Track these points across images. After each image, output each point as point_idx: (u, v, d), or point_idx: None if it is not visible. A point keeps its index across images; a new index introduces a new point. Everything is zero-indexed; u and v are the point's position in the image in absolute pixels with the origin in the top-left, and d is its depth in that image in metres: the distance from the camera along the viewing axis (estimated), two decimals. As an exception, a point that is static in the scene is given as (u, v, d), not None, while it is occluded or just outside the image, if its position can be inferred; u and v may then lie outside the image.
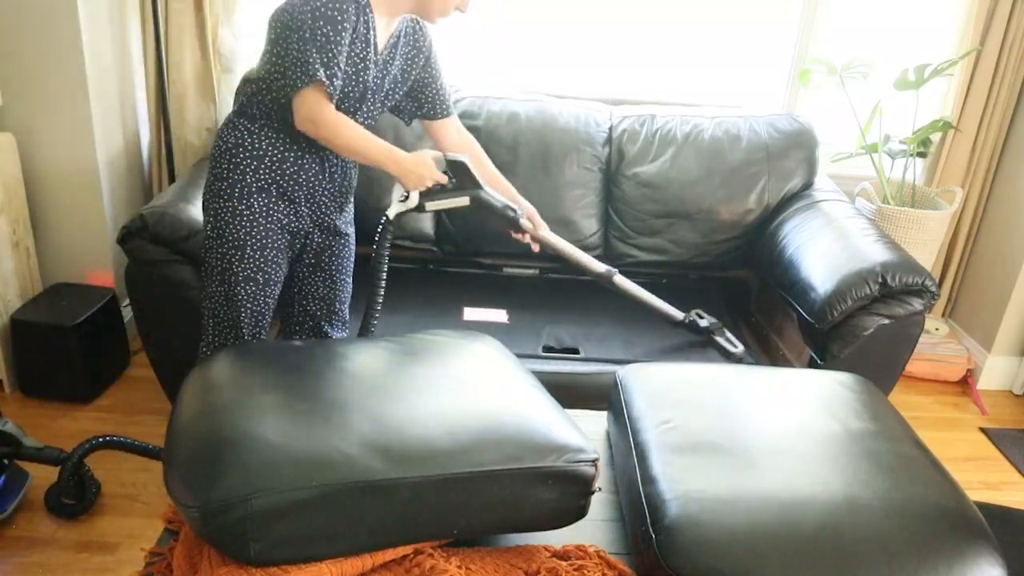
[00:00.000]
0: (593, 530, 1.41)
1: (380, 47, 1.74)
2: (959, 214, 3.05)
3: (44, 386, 2.49)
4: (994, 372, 3.00)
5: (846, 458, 1.35)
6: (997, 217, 3.00)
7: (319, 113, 1.62)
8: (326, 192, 1.84)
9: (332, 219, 1.89)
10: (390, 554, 1.21)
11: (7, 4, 2.35)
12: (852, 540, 1.18)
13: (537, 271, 2.78)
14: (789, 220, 2.52)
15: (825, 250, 2.25)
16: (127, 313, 2.81)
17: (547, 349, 2.29)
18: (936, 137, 2.95)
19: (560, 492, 1.25)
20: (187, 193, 2.20)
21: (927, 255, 2.84)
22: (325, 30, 1.58)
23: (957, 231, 3.08)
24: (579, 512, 1.28)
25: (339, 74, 1.63)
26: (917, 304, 2.09)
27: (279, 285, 1.84)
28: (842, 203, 2.54)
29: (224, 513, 1.11)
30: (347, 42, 1.62)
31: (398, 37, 1.79)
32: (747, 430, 1.42)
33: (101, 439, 1.99)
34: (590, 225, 2.64)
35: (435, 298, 2.52)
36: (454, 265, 2.78)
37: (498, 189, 1.97)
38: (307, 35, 1.57)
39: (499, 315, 2.43)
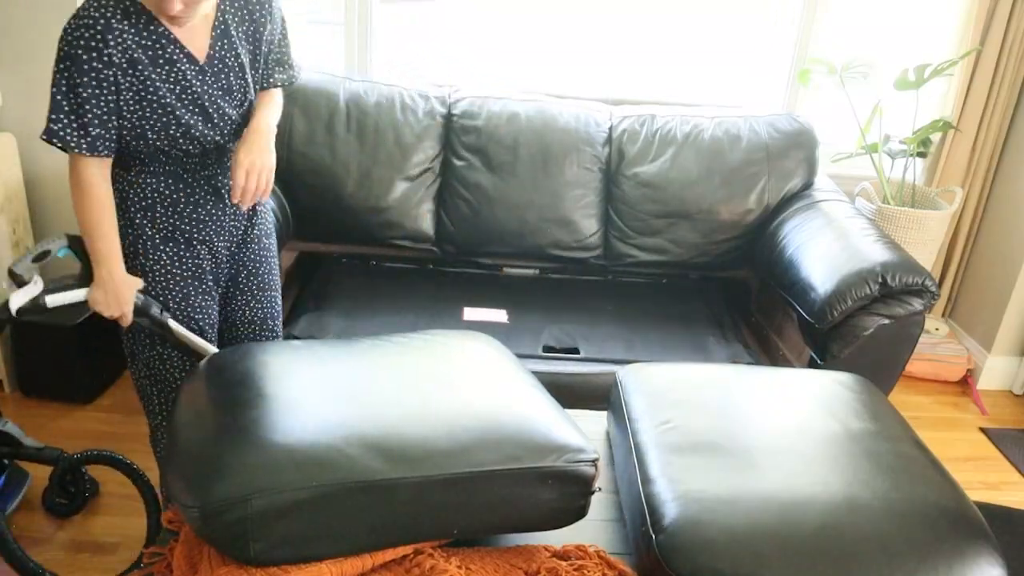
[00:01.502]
0: (593, 530, 1.41)
1: (198, 51, 1.50)
2: (959, 214, 3.05)
3: (44, 386, 2.49)
4: (994, 372, 3.00)
5: (846, 458, 1.35)
6: (997, 217, 3.00)
7: (74, 169, 1.45)
8: (232, 220, 1.67)
9: (246, 242, 1.73)
10: (390, 554, 1.21)
11: (7, 4, 2.35)
12: (852, 540, 1.18)
13: (537, 271, 2.78)
14: (789, 220, 2.52)
15: (825, 250, 2.25)
16: (127, 313, 2.81)
17: (547, 349, 2.29)
18: (936, 137, 2.95)
19: (560, 492, 1.25)
20: (187, 193, 2.19)
21: (927, 255, 2.84)
22: (75, 84, 1.38)
23: (957, 231, 3.08)
24: (579, 512, 1.28)
25: (79, 134, 1.41)
26: (917, 304, 2.09)
27: (215, 328, 1.70)
28: (842, 203, 2.54)
29: (224, 513, 1.11)
30: (109, 86, 1.41)
31: (222, 22, 1.52)
32: (747, 430, 1.42)
33: (108, 455, 1.94)
34: (590, 225, 2.64)
35: (435, 298, 2.52)
36: (454, 265, 2.78)
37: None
38: (59, 84, 1.39)
39: (499, 315, 2.43)
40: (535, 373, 2.19)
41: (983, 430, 2.76)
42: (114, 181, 1.56)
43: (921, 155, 2.89)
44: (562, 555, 1.29)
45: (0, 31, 2.38)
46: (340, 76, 2.70)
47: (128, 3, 1.41)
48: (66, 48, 1.38)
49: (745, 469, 1.31)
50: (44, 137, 1.42)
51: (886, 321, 2.08)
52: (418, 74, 3.00)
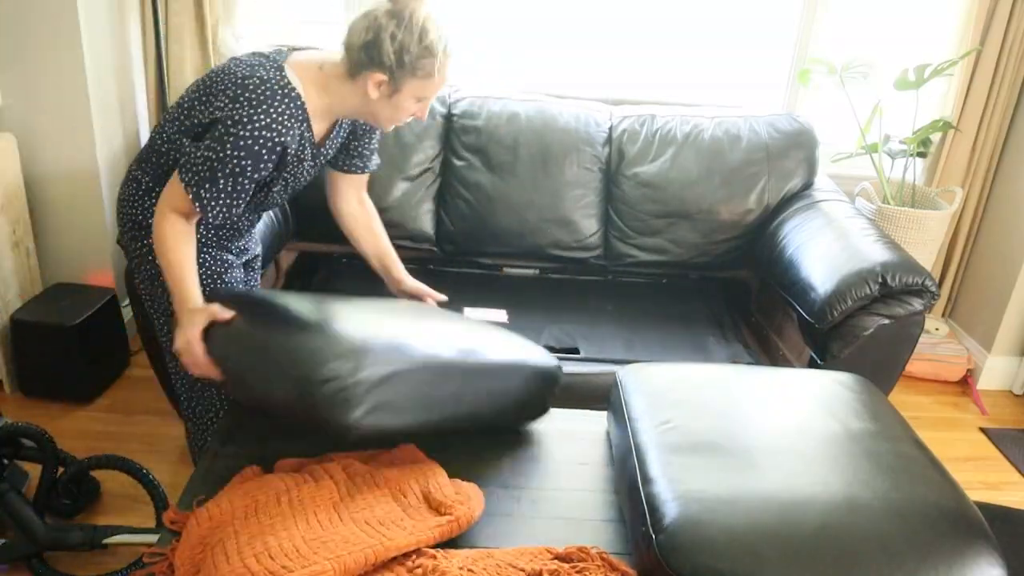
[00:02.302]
0: (594, 531, 1.41)
1: (319, 140, 1.65)
2: (959, 214, 3.05)
3: (44, 386, 2.49)
4: (994, 372, 3.00)
5: (846, 458, 1.35)
6: (997, 217, 3.00)
7: (169, 214, 1.51)
8: (249, 227, 1.82)
9: (253, 248, 1.90)
10: (392, 551, 1.22)
11: (7, 4, 2.35)
12: (852, 540, 1.18)
13: (537, 271, 2.78)
14: (789, 220, 2.52)
15: (825, 250, 2.25)
16: (127, 313, 2.81)
17: (547, 349, 2.28)
18: (936, 137, 2.95)
19: (539, 385, 1.61)
20: (187, 193, 2.20)
21: (927, 255, 2.84)
22: (240, 182, 1.48)
23: (957, 231, 3.08)
24: (544, 407, 1.68)
25: (221, 214, 1.51)
26: (917, 304, 2.09)
27: None
28: (842, 203, 2.54)
29: (333, 381, 1.27)
30: (260, 177, 1.52)
31: (339, 124, 1.69)
32: (747, 430, 1.42)
33: (116, 459, 1.94)
34: (590, 225, 2.64)
35: (435, 298, 2.53)
36: (454, 265, 2.78)
37: (387, 263, 1.95)
38: (224, 171, 1.46)
39: (499, 315, 2.43)
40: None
41: (983, 430, 2.76)
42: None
43: (921, 155, 2.89)
44: (564, 557, 1.29)
45: (0, 31, 2.38)
46: (340, 76, 2.70)
47: (303, 111, 1.52)
48: (252, 144, 1.45)
49: (745, 469, 1.31)
50: (189, 194, 1.48)
51: (886, 321, 2.09)
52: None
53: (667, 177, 2.61)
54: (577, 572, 1.24)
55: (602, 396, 2.20)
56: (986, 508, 2.14)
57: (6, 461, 2.00)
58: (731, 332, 2.47)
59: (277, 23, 2.96)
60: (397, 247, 2.65)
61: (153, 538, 1.79)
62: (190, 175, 1.48)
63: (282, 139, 1.47)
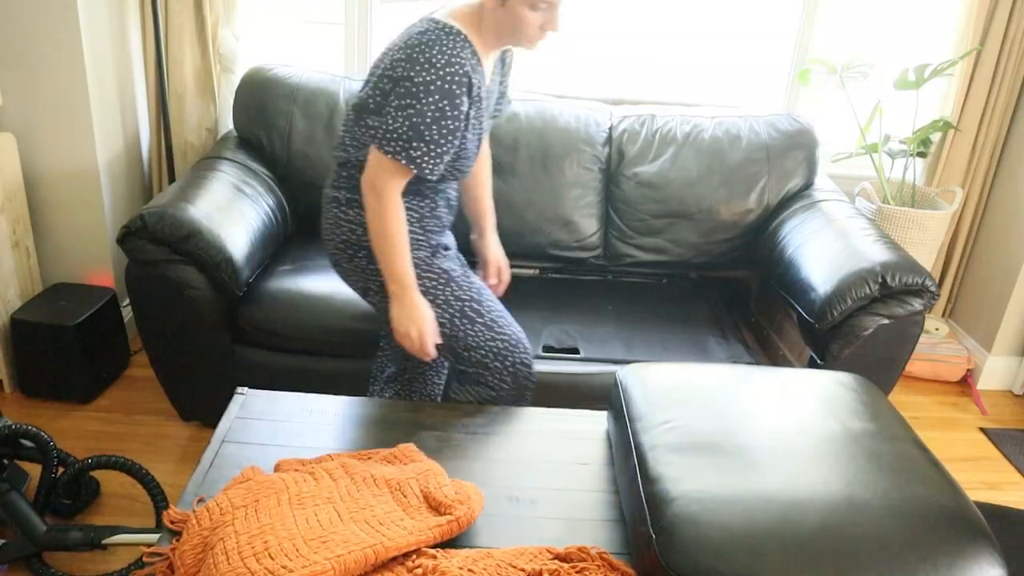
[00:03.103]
0: (594, 531, 1.41)
1: (488, 82, 1.73)
2: (959, 214, 3.05)
3: (44, 386, 2.49)
4: (994, 372, 3.00)
5: (846, 458, 1.35)
6: (997, 217, 3.00)
7: (386, 185, 1.56)
8: (448, 213, 1.85)
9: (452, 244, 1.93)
10: (392, 551, 1.22)
11: (7, 4, 2.35)
12: (852, 540, 1.18)
13: (537, 271, 2.78)
14: (789, 220, 2.52)
15: (825, 250, 2.25)
16: (127, 313, 2.81)
17: (547, 349, 2.29)
18: (936, 137, 2.95)
19: None
20: (187, 193, 2.20)
21: (927, 255, 2.84)
22: (443, 124, 1.53)
23: (957, 231, 3.08)
24: None
25: (437, 165, 1.58)
26: (917, 304, 2.09)
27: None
28: (842, 203, 2.54)
29: None
30: (464, 121, 1.59)
31: (497, 61, 1.78)
32: (747, 430, 1.42)
33: (116, 460, 1.94)
34: (590, 225, 2.64)
35: (435, 298, 2.52)
36: (454, 265, 2.78)
37: (480, 209, 1.98)
38: (425, 121, 1.51)
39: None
40: (535, 373, 2.19)
41: (983, 430, 2.76)
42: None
43: (921, 155, 2.89)
44: (564, 557, 1.29)
45: (0, 31, 2.38)
46: (340, 76, 2.70)
47: (470, 45, 1.58)
48: (440, 83, 1.50)
49: (745, 469, 1.31)
50: (400, 160, 1.53)
51: (886, 321, 2.09)
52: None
53: (667, 177, 2.61)
54: (577, 572, 1.24)
55: (602, 396, 2.20)
56: (986, 508, 2.14)
57: (6, 461, 2.00)
58: (731, 332, 2.47)
59: (277, 23, 2.96)
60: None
61: (153, 538, 1.79)
62: (393, 143, 1.53)
63: (464, 70, 1.53)
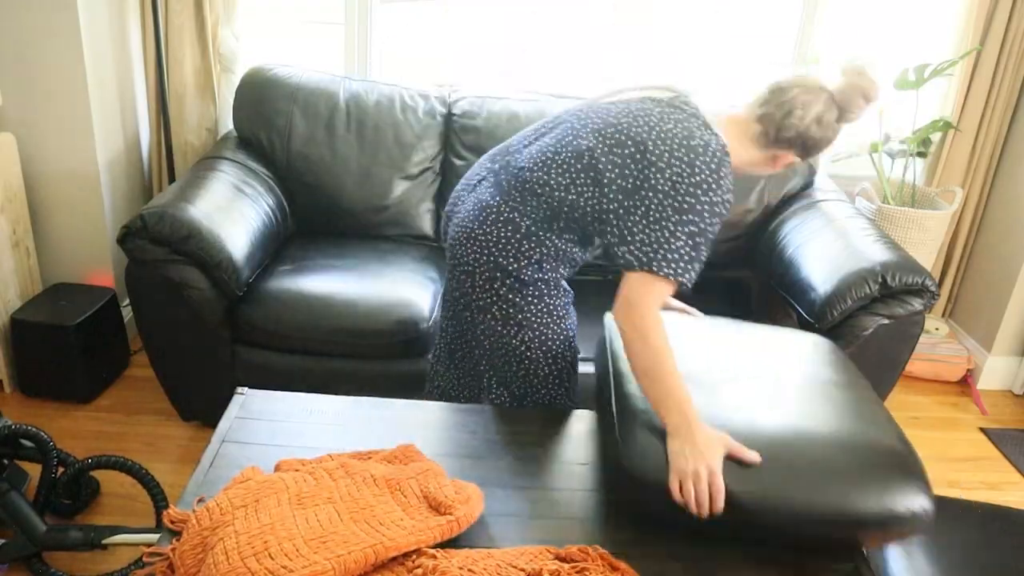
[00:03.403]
0: (594, 531, 1.41)
1: None
2: (959, 214, 3.05)
3: (44, 386, 2.49)
4: (994, 372, 3.00)
5: (805, 397, 1.44)
6: (997, 217, 3.00)
7: (652, 308, 1.36)
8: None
9: None
10: (392, 551, 1.22)
11: (7, 4, 2.35)
12: (795, 462, 1.27)
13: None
14: (789, 220, 2.52)
15: (825, 250, 2.25)
16: (127, 313, 2.81)
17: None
18: (936, 137, 2.95)
19: None
20: (187, 193, 2.20)
21: (927, 255, 2.84)
22: (712, 231, 1.41)
23: (957, 231, 3.08)
24: None
25: (696, 274, 1.42)
26: (917, 304, 2.09)
27: None
28: (842, 203, 2.54)
29: None
30: None
31: None
32: (719, 367, 1.51)
33: (116, 460, 1.94)
34: (590, 225, 2.64)
35: (435, 298, 2.53)
36: (454, 265, 2.78)
37: None
38: (708, 234, 1.39)
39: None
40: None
41: (983, 430, 2.76)
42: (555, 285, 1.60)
43: (921, 155, 2.89)
44: (564, 557, 1.29)
45: (0, 31, 2.38)
46: (340, 76, 2.70)
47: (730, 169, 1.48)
48: (719, 208, 1.40)
49: (709, 396, 1.41)
50: (683, 282, 1.40)
51: (886, 321, 2.09)
52: (418, 74, 3.00)
53: (667, 177, 2.61)
54: (577, 572, 1.24)
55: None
56: (986, 508, 2.14)
57: (6, 461, 2.00)
58: (731, 332, 2.47)
59: (277, 23, 2.96)
60: (400, 243, 2.65)
61: (153, 538, 1.79)
62: (675, 265, 1.38)
63: (729, 178, 1.44)
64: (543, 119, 1.77)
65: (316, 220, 2.65)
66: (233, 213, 2.25)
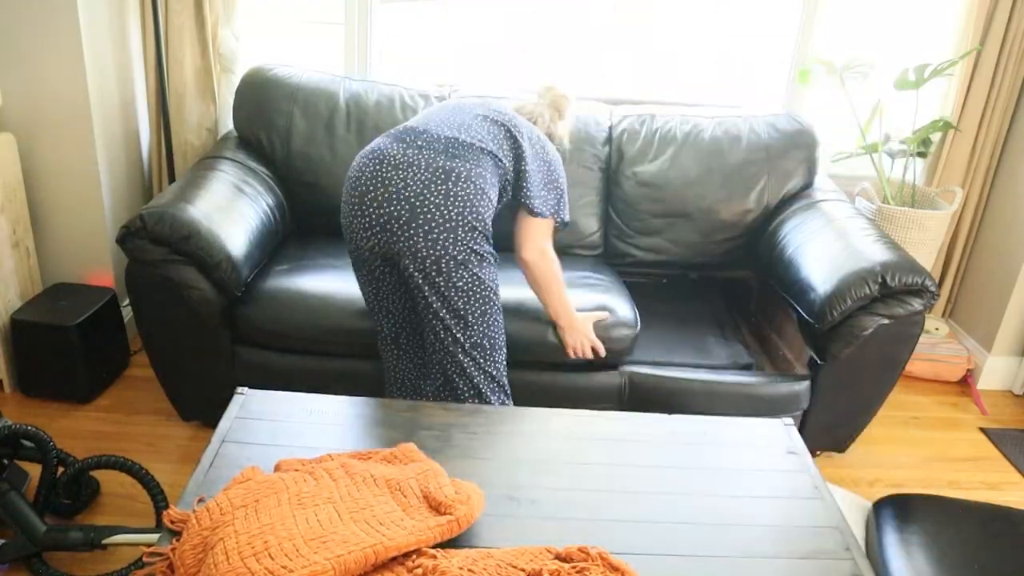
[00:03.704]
0: (594, 531, 1.41)
1: None
2: (959, 214, 3.05)
3: (44, 386, 2.49)
4: (994, 372, 3.00)
5: None
6: (997, 217, 3.00)
7: (545, 250, 1.98)
8: None
9: None
10: (392, 551, 1.22)
11: (7, 4, 2.35)
12: None
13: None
14: (789, 220, 2.52)
15: (825, 250, 2.25)
16: (127, 313, 2.81)
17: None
18: (936, 137, 2.95)
19: None
20: (187, 193, 2.20)
21: (927, 255, 2.84)
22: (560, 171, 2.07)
23: (957, 231, 3.08)
24: None
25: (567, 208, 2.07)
26: (917, 304, 2.09)
27: None
28: (842, 203, 2.54)
29: None
30: None
31: None
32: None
33: (115, 460, 1.94)
34: (590, 224, 2.64)
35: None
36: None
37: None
38: (562, 183, 2.04)
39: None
40: (534, 373, 2.19)
41: (983, 430, 2.76)
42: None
43: (921, 155, 2.89)
44: (564, 557, 1.29)
45: (0, 31, 2.38)
46: (340, 76, 2.70)
47: None
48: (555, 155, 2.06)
49: None
50: (559, 220, 2.03)
51: (886, 321, 2.09)
52: (418, 74, 3.00)
53: (667, 177, 2.61)
54: (577, 572, 1.24)
55: (602, 396, 2.20)
56: (986, 508, 2.14)
57: (6, 461, 2.00)
58: (731, 332, 2.47)
59: (277, 23, 2.96)
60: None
61: (153, 538, 1.79)
62: (548, 206, 1.98)
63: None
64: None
65: (316, 220, 2.65)
66: (233, 213, 2.25)
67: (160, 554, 1.28)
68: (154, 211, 2.06)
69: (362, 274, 1.96)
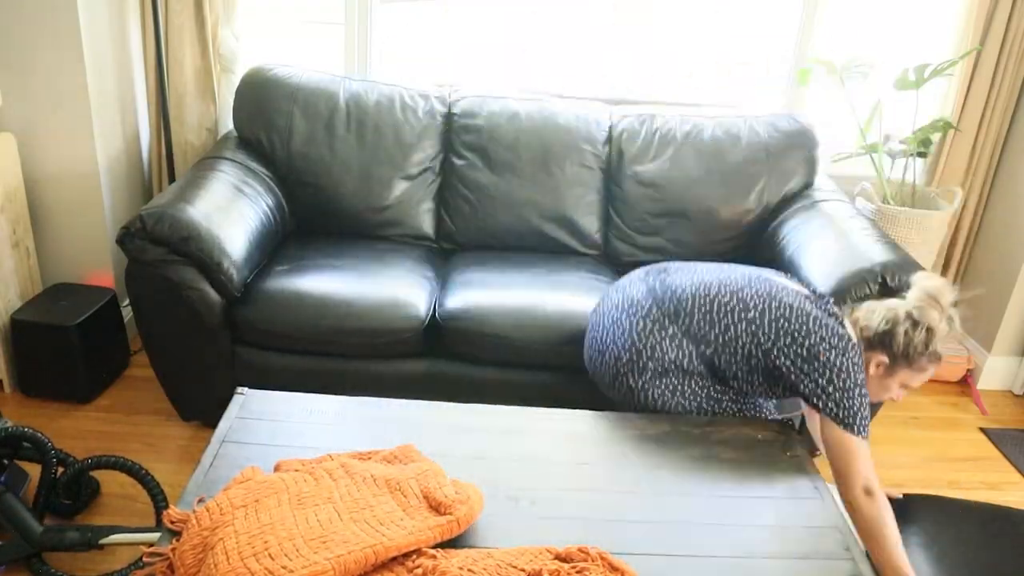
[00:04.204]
0: (594, 531, 1.41)
1: None
2: (959, 214, 3.05)
3: (44, 386, 2.49)
4: (994, 372, 3.00)
5: None
6: (997, 217, 3.00)
7: (874, 482, 1.57)
8: None
9: None
10: (392, 551, 1.22)
11: (7, 4, 2.35)
12: None
13: (537, 271, 2.79)
14: (789, 220, 2.52)
15: (825, 250, 2.25)
16: (127, 313, 2.81)
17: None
18: (936, 137, 2.95)
19: None
20: (186, 193, 2.20)
21: (927, 255, 2.83)
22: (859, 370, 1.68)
23: (957, 231, 3.08)
24: None
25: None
26: (917, 304, 2.08)
27: None
28: (842, 203, 2.54)
29: None
30: None
31: None
32: None
33: (115, 460, 1.93)
34: (590, 224, 2.64)
35: (435, 298, 2.52)
36: (454, 265, 2.77)
37: None
38: (853, 377, 1.64)
39: None
40: (533, 373, 2.18)
41: (983, 430, 2.76)
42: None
43: (921, 155, 2.89)
44: (564, 557, 1.29)
45: (0, 31, 2.38)
46: (340, 76, 2.70)
47: None
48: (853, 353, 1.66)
49: None
50: (863, 436, 1.60)
51: (886, 321, 2.08)
52: (418, 74, 3.00)
53: (667, 176, 2.61)
54: (577, 572, 1.24)
55: (601, 396, 2.19)
56: (986, 508, 2.14)
57: (6, 462, 2.00)
58: (731, 332, 2.47)
59: (277, 23, 2.96)
60: (399, 243, 2.65)
61: (151, 537, 1.79)
62: (858, 421, 1.62)
63: None
64: None
65: (315, 220, 2.65)
66: (232, 213, 2.25)
67: (160, 554, 1.28)
68: (154, 211, 2.06)
69: None
